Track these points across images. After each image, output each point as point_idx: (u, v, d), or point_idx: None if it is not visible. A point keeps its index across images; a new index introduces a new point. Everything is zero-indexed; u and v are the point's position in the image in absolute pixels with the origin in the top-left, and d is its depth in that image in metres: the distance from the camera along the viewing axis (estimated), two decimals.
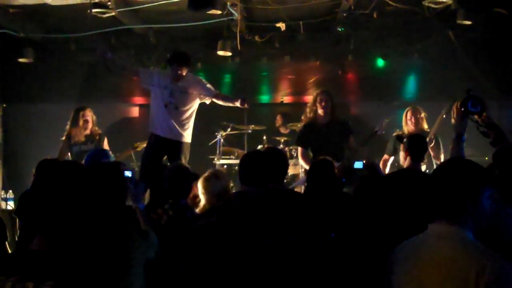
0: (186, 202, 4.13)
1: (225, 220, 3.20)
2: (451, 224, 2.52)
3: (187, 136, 6.91)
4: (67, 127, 7.20)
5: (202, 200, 4.38)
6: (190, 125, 6.93)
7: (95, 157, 5.25)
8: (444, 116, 6.64)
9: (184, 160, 6.78)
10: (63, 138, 7.21)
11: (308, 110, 7.00)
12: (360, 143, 6.93)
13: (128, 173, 3.43)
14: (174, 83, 6.79)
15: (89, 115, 7.19)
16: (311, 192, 4.51)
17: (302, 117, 7.17)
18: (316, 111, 6.91)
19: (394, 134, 7.04)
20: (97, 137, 7.19)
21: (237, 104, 6.83)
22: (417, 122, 7.00)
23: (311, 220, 3.88)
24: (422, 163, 5.30)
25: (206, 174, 4.53)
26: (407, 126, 7.01)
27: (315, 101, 6.93)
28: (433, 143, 6.74)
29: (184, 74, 6.76)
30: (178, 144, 6.82)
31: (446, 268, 2.44)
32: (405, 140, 5.12)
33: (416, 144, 4.98)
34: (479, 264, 2.36)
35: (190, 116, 6.91)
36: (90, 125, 7.16)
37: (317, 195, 4.30)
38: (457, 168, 2.59)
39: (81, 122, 7.11)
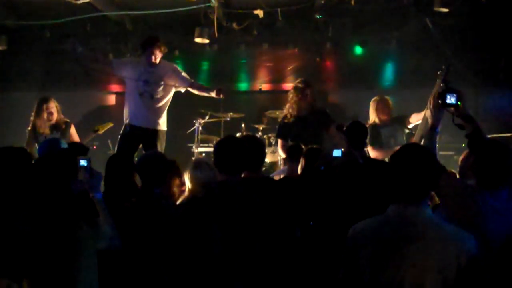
0: (161, 191, 4.05)
1: (209, 211, 3.16)
2: (412, 204, 2.70)
3: (163, 124, 6.86)
4: (32, 118, 7.04)
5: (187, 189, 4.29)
6: (165, 113, 6.88)
7: (47, 146, 5.16)
8: (441, 84, 6.58)
9: (160, 148, 6.73)
10: (29, 128, 7.07)
11: (290, 100, 6.91)
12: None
13: (83, 162, 3.31)
14: (148, 70, 6.72)
15: (53, 106, 7.01)
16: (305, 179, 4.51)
17: (286, 106, 7.05)
18: (296, 101, 6.83)
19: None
20: (63, 126, 7.05)
21: (213, 94, 6.79)
22: (388, 111, 6.99)
23: (290, 207, 3.88)
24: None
25: (193, 162, 4.43)
26: (381, 115, 6.95)
27: (295, 91, 6.85)
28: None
29: (158, 58, 6.70)
30: (154, 132, 6.78)
31: (423, 249, 2.59)
32: (344, 128, 5.05)
33: (356, 132, 4.94)
34: (457, 246, 2.59)
35: (165, 104, 6.87)
36: (55, 116, 6.99)
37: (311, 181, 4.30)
38: (418, 155, 2.76)
39: (45, 115, 6.94)
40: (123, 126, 6.89)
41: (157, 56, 6.69)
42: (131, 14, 8.62)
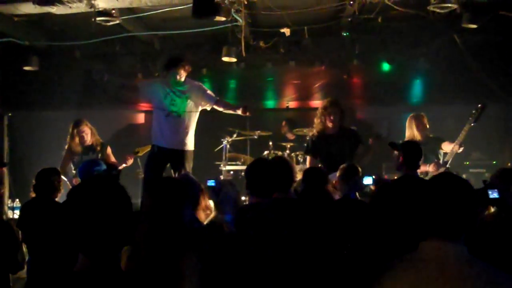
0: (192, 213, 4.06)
1: (242, 234, 3.15)
2: (447, 241, 2.39)
3: (190, 144, 6.90)
4: (67, 139, 7.29)
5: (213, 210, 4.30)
6: (192, 132, 6.92)
7: (87, 168, 5.30)
8: (472, 124, 6.57)
9: (188, 168, 6.77)
10: (65, 147, 7.32)
11: (316, 119, 6.93)
12: (364, 149, 6.86)
13: (211, 183, 3.23)
14: (174, 89, 6.78)
15: (85, 129, 7.27)
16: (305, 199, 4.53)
17: (314, 125, 7.07)
18: (324, 121, 6.85)
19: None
20: (99, 148, 7.25)
21: (239, 112, 6.81)
22: (425, 129, 6.96)
23: (323, 229, 3.87)
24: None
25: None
26: (417, 133, 6.91)
27: (323, 112, 6.85)
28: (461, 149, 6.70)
29: (182, 77, 6.75)
30: (182, 153, 6.81)
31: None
32: (399, 148, 5.06)
33: (412, 152, 4.93)
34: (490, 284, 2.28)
35: (193, 123, 6.90)
36: (88, 138, 7.24)
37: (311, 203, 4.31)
38: (456, 186, 2.45)
39: (77, 139, 7.21)
40: (151, 147, 6.95)
41: (182, 76, 6.75)
42: (159, 34, 8.72)
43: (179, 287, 2.79)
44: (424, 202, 2.46)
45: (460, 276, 2.29)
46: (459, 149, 6.66)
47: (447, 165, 6.72)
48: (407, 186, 4.46)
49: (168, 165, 6.93)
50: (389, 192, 3.85)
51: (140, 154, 7.24)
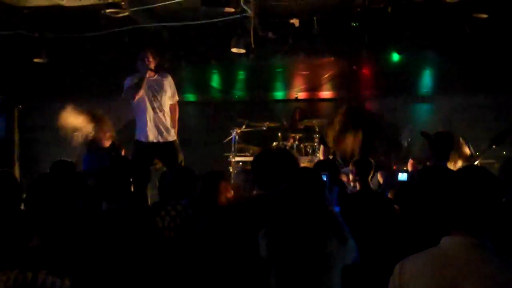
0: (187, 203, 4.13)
1: (249, 225, 3.16)
2: (472, 236, 2.27)
3: (174, 134, 6.78)
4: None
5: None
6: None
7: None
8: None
9: (180, 158, 6.69)
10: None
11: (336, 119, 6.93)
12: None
13: (323, 177, 3.34)
14: (152, 79, 6.60)
15: None
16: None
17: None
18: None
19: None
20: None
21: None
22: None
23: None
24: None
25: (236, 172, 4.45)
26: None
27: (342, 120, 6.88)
28: None
29: (152, 64, 6.55)
30: (170, 144, 6.70)
31: (485, 284, 2.19)
32: (432, 137, 5.02)
33: (443, 143, 4.90)
34: None
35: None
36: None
37: None
38: (488, 179, 2.34)
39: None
40: (136, 144, 6.75)
41: (151, 60, 6.56)
42: (168, 26, 8.70)
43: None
44: (448, 194, 2.36)
45: (480, 271, 2.20)
46: None
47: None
48: (437, 176, 4.44)
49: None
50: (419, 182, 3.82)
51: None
